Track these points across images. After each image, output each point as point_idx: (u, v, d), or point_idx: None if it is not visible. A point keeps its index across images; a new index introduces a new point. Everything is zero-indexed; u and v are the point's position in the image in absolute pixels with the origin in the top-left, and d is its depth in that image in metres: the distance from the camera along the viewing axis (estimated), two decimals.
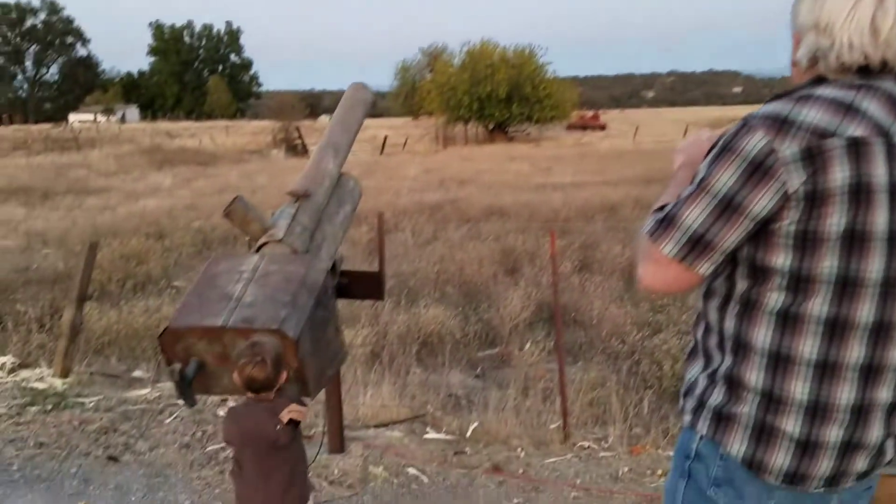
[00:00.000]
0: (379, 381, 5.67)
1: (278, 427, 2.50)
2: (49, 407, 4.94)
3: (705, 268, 1.54)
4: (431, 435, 4.69)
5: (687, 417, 1.73)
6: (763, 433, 1.59)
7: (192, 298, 3.11)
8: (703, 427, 1.67)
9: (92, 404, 5.05)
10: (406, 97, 63.46)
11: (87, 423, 4.67)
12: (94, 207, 16.11)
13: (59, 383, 5.47)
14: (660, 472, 3.94)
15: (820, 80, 1.55)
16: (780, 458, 1.58)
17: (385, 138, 40.22)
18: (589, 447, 4.38)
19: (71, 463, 4.13)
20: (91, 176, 23.72)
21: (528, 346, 7.02)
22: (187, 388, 2.88)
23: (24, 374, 5.73)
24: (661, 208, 1.61)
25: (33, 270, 10.28)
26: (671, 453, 4.15)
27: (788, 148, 1.45)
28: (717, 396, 1.65)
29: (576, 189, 16.74)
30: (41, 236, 12.60)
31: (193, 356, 3.00)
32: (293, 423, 2.53)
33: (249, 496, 2.60)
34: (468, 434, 4.71)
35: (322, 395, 4.30)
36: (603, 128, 56.90)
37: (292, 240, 3.42)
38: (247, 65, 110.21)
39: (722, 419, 1.63)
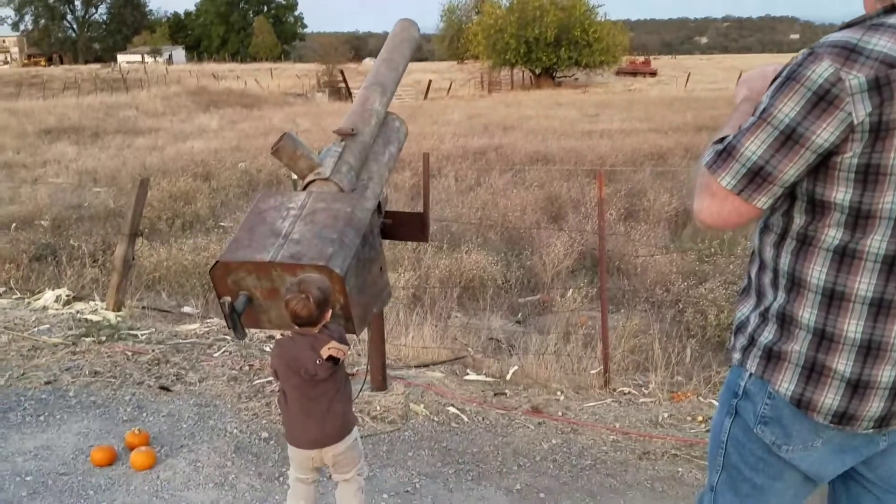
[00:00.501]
0: (421, 323, 5.73)
1: (318, 361, 2.56)
2: (103, 338, 5.12)
3: (763, 201, 1.51)
4: (472, 376, 4.74)
5: (736, 356, 1.71)
6: (813, 372, 1.57)
7: (243, 234, 3.16)
8: (752, 365, 1.65)
9: (144, 337, 5.21)
10: (451, 40, 62.50)
11: (139, 354, 4.83)
12: (142, 147, 16.38)
13: (111, 316, 5.65)
14: (700, 418, 3.93)
15: (892, 9, 1.47)
16: (829, 398, 1.57)
17: (429, 83, 39.79)
18: (629, 393, 4.38)
19: (125, 391, 4.28)
20: (139, 116, 24.07)
21: (570, 293, 7.00)
22: (237, 320, 2.95)
23: (79, 306, 5.92)
24: (721, 140, 1.56)
25: (85, 208, 10.55)
26: (713, 401, 4.13)
27: (856, 77, 1.39)
28: (767, 334, 1.63)
29: (624, 136, 16.40)
30: (92, 175, 12.90)
31: (243, 290, 3.06)
32: (333, 360, 2.58)
33: (293, 424, 2.69)
34: (508, 377, 4.75)
35: (365, 334, 4.37)
36: (654, 74, 55.42)
37: (339, 178, 3.43)
38: (291, 6, 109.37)
39: (772, 357, 1.62)
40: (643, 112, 22.80)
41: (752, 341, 1.67)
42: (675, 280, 6.89)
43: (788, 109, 1.45)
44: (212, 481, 3.34)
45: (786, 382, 1.60)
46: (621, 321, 5.81)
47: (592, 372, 4.77)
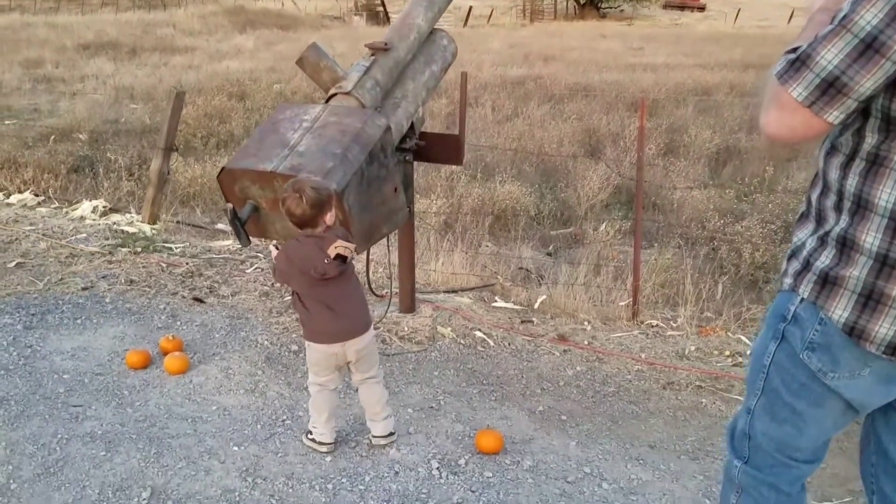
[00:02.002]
0: (451, 250, 5.72)
1: (326, 261, 2.61)
2: (138, 249, 5.21)
3: (835, 116, 1.43)
4: (499, 304, 4.74)
5: (788, 280, 1.67)
6: (870, 300, 1.53)
7: (253, 142, 3.15)
8: (805, 289, 1.61)
9: (178, 250, 5.29)
10: None
11: (173, 266, 4.91)
12: (179, 66, 16.33)
13: (147, 229, 5.74)
14: (727, 353, 3.90)
15: None
16: (885, 327, 1.52)
17: (469, 9, 38.75)
18: (657, 326, 4.36)
19: (159, 300, 4.38)
20: (176, 35, 23.91)
21: (603, 226, 6.91)
22: (240, 227, 2.97)
23: (115, 217, 6.02)
24: (794, 49, 1.48)
25: (122, 123, 10.62)
26: (742, 337, 4.09)
27: None
28: (825, 259, 1.58)
29: (668, 71, 15.91)
30: (129, 91, 12.92)
31: (249, 199, 3.07)
32: (340, 258, 2.63)
33: (316, 321, 2.76)
34: (536, 305, 4.75)
35: (395, 257, 4.38)
36: (702, 9, 53.26)
37: (361, 93, 3.36)
38: None
39: (827, 282, 1.58)
40: (690, 47, 22.05)
41: (806, 266, 1.62)
42: (711, 217, 6.76)
43: (871, 16, 1.36)
44: (242, 388, 3.42)
45: (840, 309, 1.56)
46: (653, 255, 5.74)
47: (621, 304, 4.75)
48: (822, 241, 1.60)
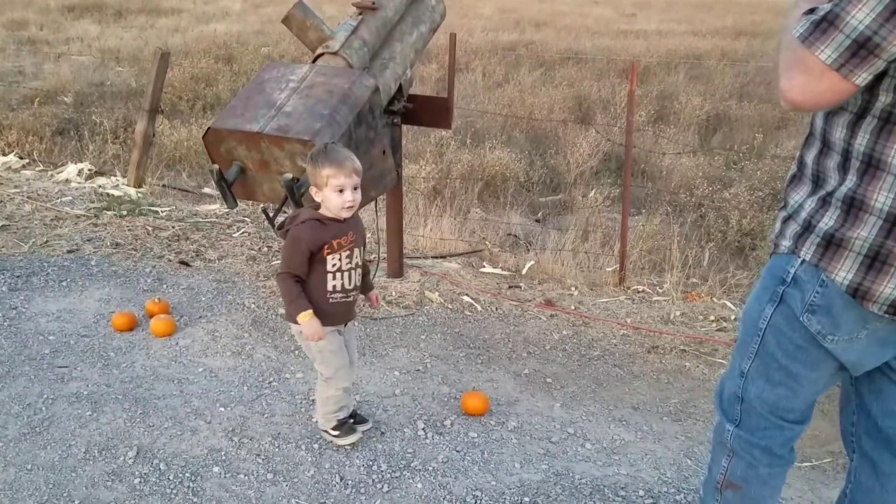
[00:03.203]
0: (440, 216, 5.72)
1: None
2: (124, 212, 5.17)
3: (863, 78, 1.39)
4: (487, 269, 4.75)
5: (786, 243, 1.65)
6: (876, 261, 1.51)
7: (238, 102, 3.10)
8: (807, 252, 1.59)
9: (164, 213, 5.25)
10: None
11: (159, 229, 4.88)
12: (165, 28, 16.06)
13: (132, 192, 5.69)
14: (712, 318, 3.94)
15: None
16: (890, 287, 1.51)
17: None
18: (643, 291, 4.38)
19: (145, 263, 4.36)
20: None
21: (592, 193, 6.91)
22: (226, 189, 2.94)
23: (100, 180, 5.96)
24: (813, 10, 1.42)
25: (107, 86, 10.46)
26: (727, 302, 4.11)
27: None
28: (828, 220, 1.56)
29: (660, 37, 15.79)
30: (114, 54, 12.71)
31: (236, 160, 3.03)
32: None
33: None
34: (524, 271, 4.76)
35: (382, 222, 4.37)
36: None
37: (349, 53, 3.31)
38: None
39: (831, 244, 1.56)
40: (682, 13, 21.85)
41: (808, 227, 1.60)
42: (699, 184, 6.77)
43: None
44: (229, 350, 3.43)
45: (843, 271, 1.55)
46: (641, 222, 5.75)
47: (608, 270, 4.77)
48: (824, 202, 1.58)
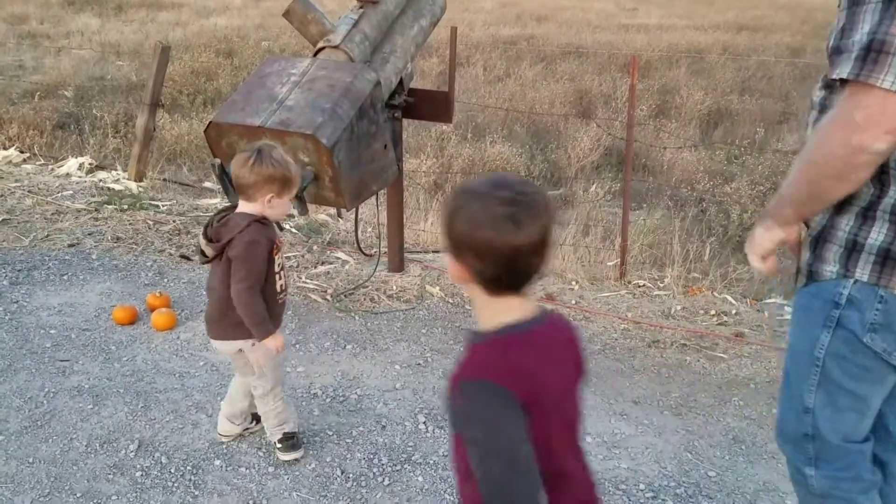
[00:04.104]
0: (440, 210, 5.71)
1: (202, 240, 2.40)
2: (125, 207, 5.17)
3: None
4: None
5: (830, 268, 1.59)
6: None
7: (239, 96, 3.10)
8: (862, 272, 1.53)
9: (165, 208, 5.25)
10: None
11: (160, 223, 4.88)
12: (165, 22, 16.04)
13: (133, 186, 5.68)
14: (713, 312, 3.93)
15: None
16: None
17: None
18: (644, 286, 4.38)
19: (146, 257, 4.36)
20: None
21: (593, 187, 6.91)
22: (229, 183, 2.93)
23: (101, 175, 5.95)
24: (839, 50, 1.39)
25: (108, 80, 10.45)
26: (728, 297, 4.10)
27: None
28: (877, 235, 1.51)
29: (661, 32, 15.76)
30: (115, 48, 12.69)
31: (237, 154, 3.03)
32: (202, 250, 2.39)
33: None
34: None
35: (384, 217, 4.36)
36: None
37: (350, 47, 3.30)
38: None
39: (889, 258, 1.50)
40: (683, 8, 21.79)
41: (854, 247, 1.55)
42: (700, 179, 6.77)
43: None
44: None
45: None
46: (642, 216, 5.75)
47: (609, 264, 4.77)
48: (865, 217, 1.53)
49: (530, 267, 1.24)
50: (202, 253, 2.38)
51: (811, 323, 1.64)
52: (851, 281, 1.55)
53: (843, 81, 1.41)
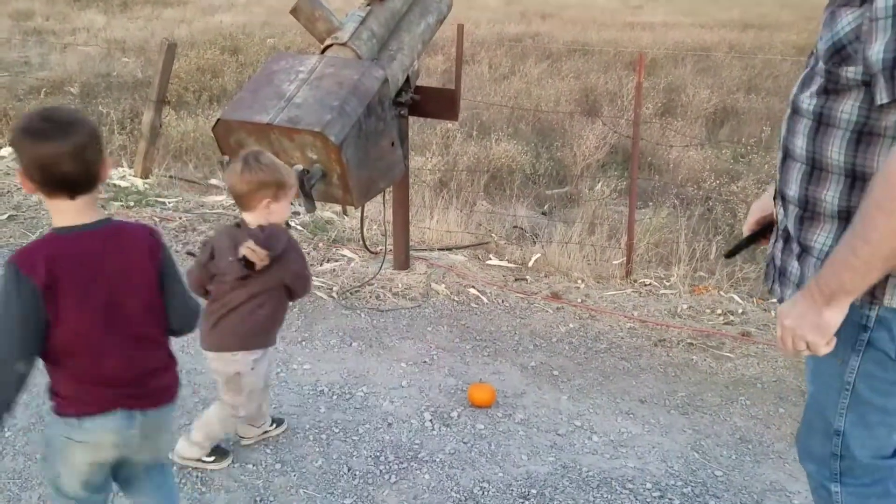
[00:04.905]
0: (446, 208, 5.71)
1: (231, 259, 2.28)
2: (131, 203, 5.18)
3: None
4: (494, 262, 4.75)
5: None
6: None
7: (247, 94, 3.10)
8: (891, 297, 1.50)
9: (171, 204, 5.26)
10: None
11: (167, 220, 4.89)
12: (171, 19, 16.06)
13: (139, 183, 5.69)
14: (719, 311, 3.93)
15: None
16: None
17: None
18: (650, 284, 4.37)
19: None
20: None
21: (598, 186, 6.90)
22: None
23: None
24: (893, 72, 1.34)
25: (114, 76, 10.47)
26: (734, 296, 4.09)
27: None
28: None
29: (666, 29, 15.73)
30: (120, 45, 12.71)
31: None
32: (247, 262, 2.26)
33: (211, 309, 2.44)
34: (530, 264, 4.75)
35: (389, 214, 4.36)
36: None
37: (358, 44, 3.30)
38: None
39: None
40: (689, 6, 21.74)
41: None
42: (706, 177, 6.75)
43: None
44: None
45: None
46: (648, 215, 5.74)
47: (615, 263, 4.76)
48: None
49: (66, 175, 1.56)
50: (249, 265, 2.29)
51: (839, 350, 1.59)
52: (876, 306, 1.53)
53: None
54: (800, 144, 1.58)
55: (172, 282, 1.76)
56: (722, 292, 4.22)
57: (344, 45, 3.27)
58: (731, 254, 2.03)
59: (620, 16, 18.98)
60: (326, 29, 3.40)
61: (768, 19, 17.42)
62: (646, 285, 4.38)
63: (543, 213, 6.82)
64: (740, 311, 3.96)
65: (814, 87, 1.55)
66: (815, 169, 1.56)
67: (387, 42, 3.53)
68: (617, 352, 3.53)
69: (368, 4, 3.42)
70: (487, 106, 9.17)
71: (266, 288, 2.36)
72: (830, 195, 1.53)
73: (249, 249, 2.23)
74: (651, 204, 6.47)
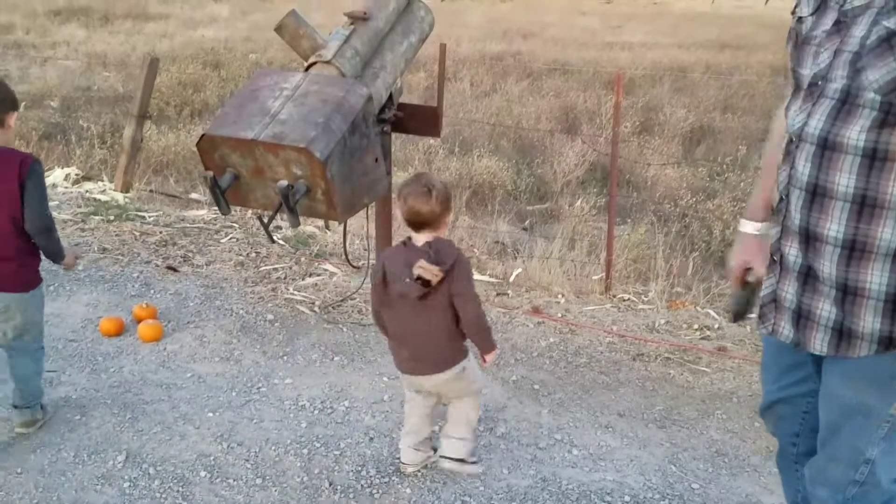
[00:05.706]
0: None
1: (407, 280, 2.37)
2: (111, 217, 5.16)
3: None
4: (475, 276, 4.77)
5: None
6: None
7: (231, 109, 3.12)
8: None
9: (152, 219, 5.25)
10: None
11: (147, 234, 4.88)
12: (152, 33, 16.03)
13: (120, 197, 5.68)
14: (696, 326, 3.99)
15: None
16: None
17: None
18: (629, 299, 4.43)
19: (132, 269, 4.36)
20: (150, 1, 23.39)
21: (578, 202, 6.98)
22: (219, 196, 2.96)
23: (87, 185, 5.94)
24: None
25: (94, 90, 10.43)
26: (710, 311, 4.15)
27: None
28: None
29: (645, 49, 15.95)
30: (101, 58, 12.66)
31: (230, 167, 3.06)
32: (423, 281, 2.33)
33: (390, 343, 2.64)
34: (511, 279, 4.80)
35: (372, 230, 4.39)
36: None
37: (342, 62, 3.34)
38: None
39: None
40: (668, 26, 22.08)
41: None
42: (683, 195, 6.86)
43: None
44: (217, 356, 3.44)
45: None
46: (627, 231, 5.82)
47: (594, 278, 4.82)
48: None
49: None
50: (425, 283, 2.36)
51: (882, 386, 1.60)
52: None
53: None
54: (843, 182, 1.52)
55: (30, 196, 2.60)
56: (699, 307, 4.29)
57: (328, 62, 3.31)
58: (738, 315, 2.00)
59: (601, 35, 19.21)
60: (311, 46, 3.44)
61: (745, 40, 17.72)
62: (624, 300, 4.44)
63: (524, 229, 6.88)
64: (716, 326, 4.03)
65: (863, 122, 1.48)
66: (867, 206, 1.51)
67: (370, 60, 3.58)
68: (596, 366, 3.57)
69: (352, 24, 3.46)
70: (469, 123, 9.24)
71: (441, 306, 2.43)
72: (888, 233, 1.50)
73: (425, 268, 2.32)
74: (629, 220, 6.55)
